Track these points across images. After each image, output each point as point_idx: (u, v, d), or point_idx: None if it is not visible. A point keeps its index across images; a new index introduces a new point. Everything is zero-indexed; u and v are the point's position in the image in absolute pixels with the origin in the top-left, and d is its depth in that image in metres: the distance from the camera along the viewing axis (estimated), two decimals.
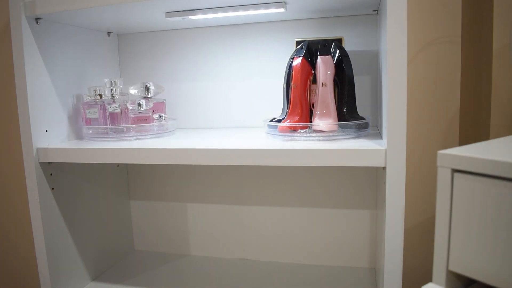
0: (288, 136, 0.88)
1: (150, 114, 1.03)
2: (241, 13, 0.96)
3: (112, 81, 1.04)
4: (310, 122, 0.89)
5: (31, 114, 0.92)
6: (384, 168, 0.75)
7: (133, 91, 1.07)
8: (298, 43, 1.01)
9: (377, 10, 1.01)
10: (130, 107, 1.02)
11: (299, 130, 0.87)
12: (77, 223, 1.07)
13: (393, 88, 0.71)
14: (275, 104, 1.14)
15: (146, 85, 1.06)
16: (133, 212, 1.32)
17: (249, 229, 1.22)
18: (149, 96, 1.06)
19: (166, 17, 0.99)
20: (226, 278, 1.11)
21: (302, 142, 0.84)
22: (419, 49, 1.04)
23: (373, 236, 1.12)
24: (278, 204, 1.18)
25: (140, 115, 1.01)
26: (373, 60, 1.06)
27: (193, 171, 1.24)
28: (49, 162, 0.97)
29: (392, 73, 0.71)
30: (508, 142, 0.58)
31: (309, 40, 0.93)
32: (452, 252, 0.55)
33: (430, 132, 1.06)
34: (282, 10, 0.92)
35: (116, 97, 1.04)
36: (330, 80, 0.88)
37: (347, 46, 1.05)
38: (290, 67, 0.92)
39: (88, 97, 1.04)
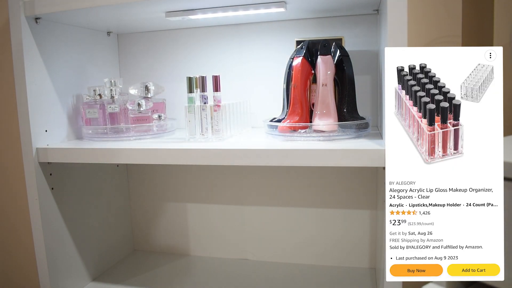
0: (288, 136, 0.88)
1: (149, 114, 1.02)
2: (240, 12, 0.95)
3: (112, 81, 1.04)
4: (310, 122, 0.89)
5: (30, 114, 0.92)
6: (384, 168, 0.75)
7: (133, 91, 1.07)
8: (298, 43, 1.01)
9: (377, 10, 1.01)
10: (130, 107, 1.01)
11: (299, 130, 0.87)
12: (77, 223, 1.07)
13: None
14: (275, 104, 1.13)
15: (146, 85, 1.05)
16: (133, 212, 1.32)
17: (249, 229, 1.22)
18: (149, 96, 1.06)
19: (166, 17, 0.99)
20: (226, 278, 1.11)
21: (302, 142, 0.84)
22: None
23: (373, 236, 1.12)
24: (278, 204, 1.18)
25: (139, 115, 1.01)
26: (373, 60, 1.06)
27: (193, 171, 1.24)
28: (48, 162, 0.96)
29: None
30: (508, 142, 0.58)
31: (309, 40, 0.93)
32: None
33: None
34: (282, 10, 0.92)
35: (116, 97, 1.04)
36: (330, 80, 0.88)
37: (347, 46, 1.04)
38: (290, 67, 0.92)
39: (87, 97, 1.04)
